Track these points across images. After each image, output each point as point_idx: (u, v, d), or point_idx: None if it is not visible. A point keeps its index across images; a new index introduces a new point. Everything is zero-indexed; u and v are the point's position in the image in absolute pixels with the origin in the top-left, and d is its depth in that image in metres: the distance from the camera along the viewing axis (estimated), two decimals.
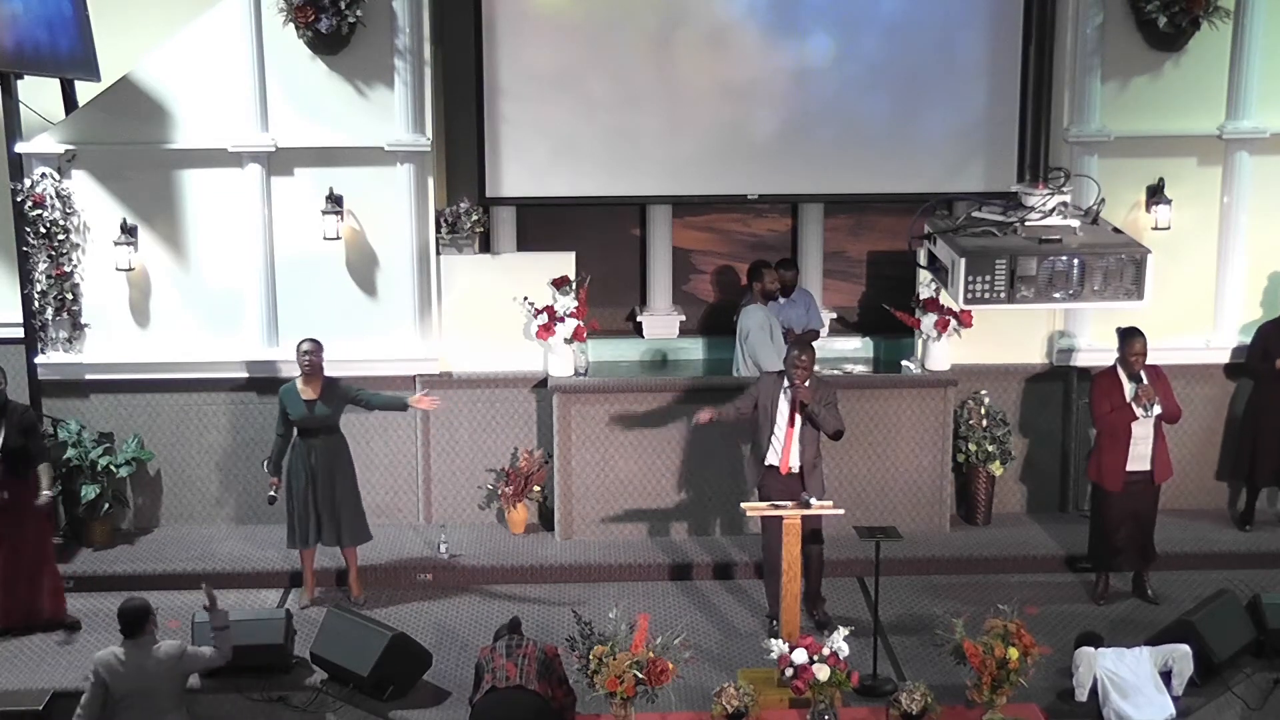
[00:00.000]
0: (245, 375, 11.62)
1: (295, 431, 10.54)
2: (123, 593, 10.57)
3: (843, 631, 8.98)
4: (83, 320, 11.50)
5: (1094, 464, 10.74)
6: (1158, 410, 10.40)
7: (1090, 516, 11.02)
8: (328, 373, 10.61)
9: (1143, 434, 10.44)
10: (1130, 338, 10.46)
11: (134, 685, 8.25)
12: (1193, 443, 11.92)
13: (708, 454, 11.61)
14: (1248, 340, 11.67)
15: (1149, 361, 10.48)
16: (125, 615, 8.35)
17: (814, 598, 10.38)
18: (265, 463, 10.71)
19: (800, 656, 8.83)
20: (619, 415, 11.55)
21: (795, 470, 10.11)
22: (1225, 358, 11.87)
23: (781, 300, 12.25)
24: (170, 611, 10.15)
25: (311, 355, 10.47)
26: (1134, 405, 10.35)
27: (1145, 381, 10.39)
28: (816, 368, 10.25)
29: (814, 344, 12.07)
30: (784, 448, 10.10)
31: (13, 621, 10.25)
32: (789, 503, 9.66)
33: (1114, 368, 10.59)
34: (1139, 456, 10.48)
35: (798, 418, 10.04)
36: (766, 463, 10.17)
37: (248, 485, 11.80)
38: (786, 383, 10.07)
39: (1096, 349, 11.65)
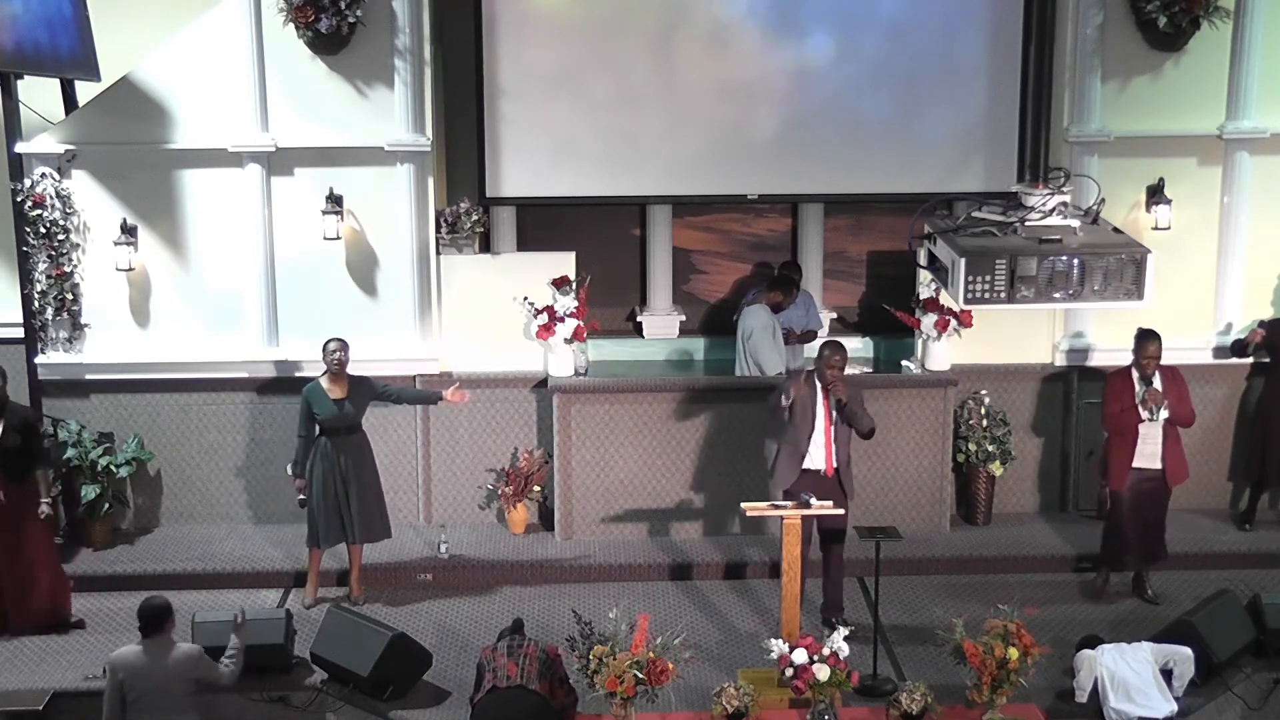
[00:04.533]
0: (245, 375, 11.62)
1: (319, 431, 10.53)
2: (123, 593, 10.69)
3: (843, 631, 8.98)
4: (83, 320, 11.50)
5: (1103, 462, 10.79)
6: (1165, 415, 10.41)
7: (1106, 515, 11.02)
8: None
9: (1150, 435, 10.46)
10: (1144, 340, 10.47)
11: (150, 685, 8.27)
12: (1193, 442, 11.89)
13: (708, 454, 11.61)
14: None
15: (1166, 364, 10.50)
16: (145, 613, 8.37)
17: (835, 606, 10.32)
18: (291, 465, 10.68)
19: (800, 656, 8.83)
20: (619, 415, 11.55)
21: (834, 471, 10.10)
22: (1224, 358, 11.86)
23: None
24: None
25: (339, 354, 10.47)
26: (1140, 408, 10.38)
27: (1157, 384, 10.42)
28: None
29: (811, 344, 12.14)
30: (825, 450, 10.07)
31: (13, 624, 10.23)
32: (788, 503, 9.66)
33: (1128, 368, 10.60)
34: (1146, 455, 10.50)
35: (834, 416, 10.01)
36: (806, 466, 10.11)
37: (248, 485, 11.81)
38: (820, 384, 10.04)
39: (1097, 349, 11.66)
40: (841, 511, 9.87)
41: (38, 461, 10.17)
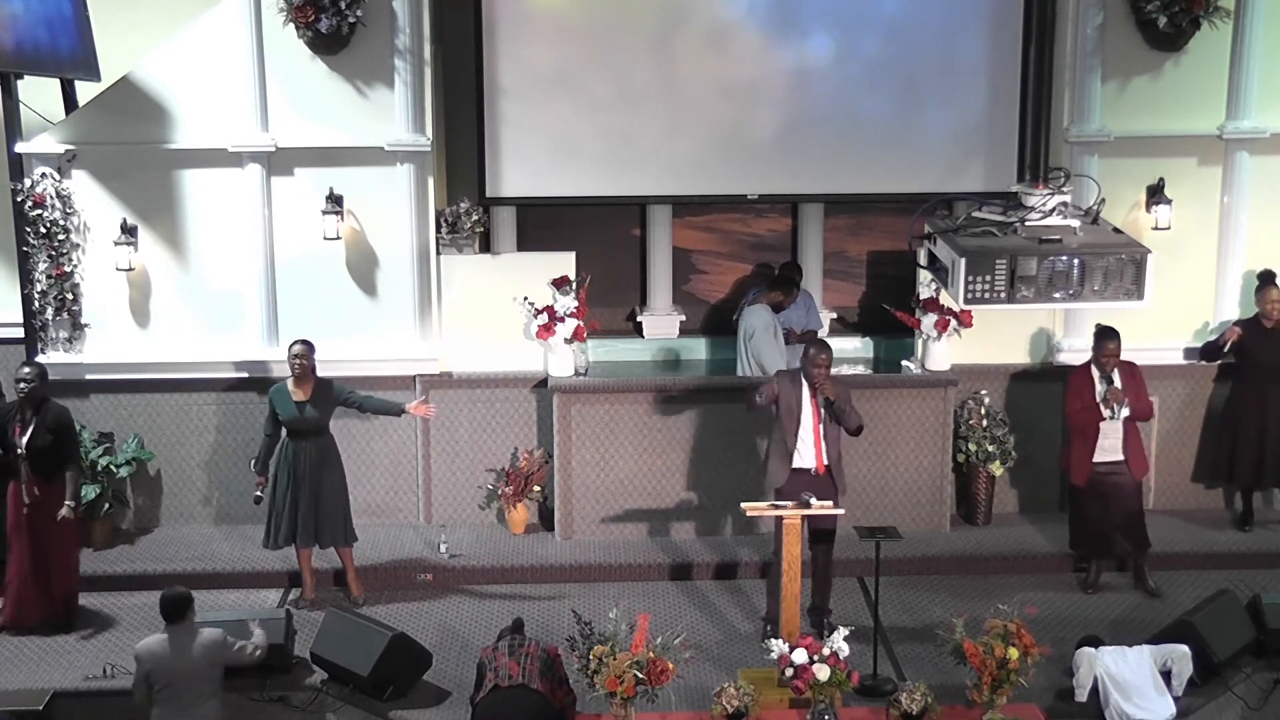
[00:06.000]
0: (245, 375, 11.62)
1: (284, 432, 10.53)
2: (123, 593, 10.72)
3: (843, 631, 8.97)
4: (83, 320, 11.51)
5: (1064, 457, 10.93)
6: (1125, 413, 10.47)
7: (1069, 508, 11.10)
8: (323, 373, 10.61)
9: (1110, 431, 10.56)
10: (1103, 338, 10.55)
11: (175, 673, 8.39)
12: (1193, 443, 11.91)
13: (708, 454, 11.61)
14: None
15: (1130, 360, 10.58)
16: (167, 603, 8.49)
17: (820, 609, 10.33)
18: (253, 462, 10.72)
19: (800, 656, 8.82)
20: (619, 415, 11.55)
21: (825, 469, 10.07)
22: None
23: None
24: None
25: (302, 358, 10.44)
26: (1101, 406, 10.42)
27: (1117, 382, 10.47)
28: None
29: None
30: (814, 448, 10.04)
31: (23, 620, 10.24)
32: (788, 503, 9.66)
33: (1088, 365, 10.69)
34: (1107, 449, 10.61)
35: (823, 414, 10.00)
36: (796, 465, 10.09)
37: (248, 485, 11.75)
38: (806, 382, 10.03)
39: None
40: (842, 511, 9.87)
41: (68, 462, 10.20)
